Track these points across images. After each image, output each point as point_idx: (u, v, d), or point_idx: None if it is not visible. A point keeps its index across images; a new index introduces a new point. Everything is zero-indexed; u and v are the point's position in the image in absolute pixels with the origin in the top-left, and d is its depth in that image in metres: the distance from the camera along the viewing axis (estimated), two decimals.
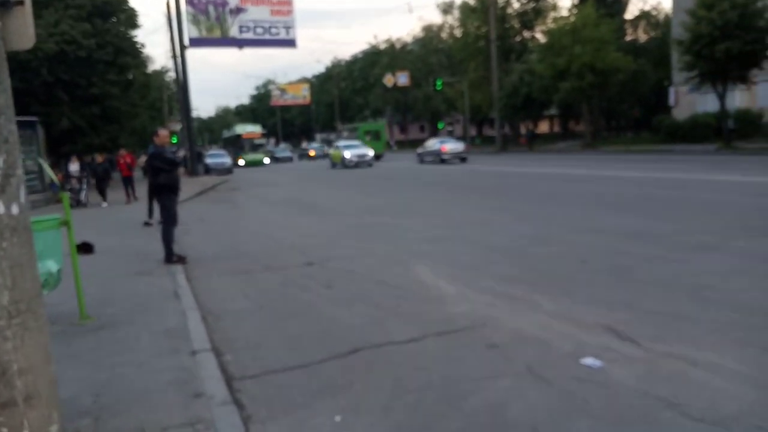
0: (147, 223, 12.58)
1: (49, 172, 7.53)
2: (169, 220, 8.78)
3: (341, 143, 38.47)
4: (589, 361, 4.28)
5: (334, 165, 35.94)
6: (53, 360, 4.81)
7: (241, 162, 46.90)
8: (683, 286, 6.01)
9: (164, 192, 8.82)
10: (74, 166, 19.31)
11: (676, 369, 4.08)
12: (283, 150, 59.87)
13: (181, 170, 30.33)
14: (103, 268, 8.56)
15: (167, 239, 8.76)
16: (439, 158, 33.31)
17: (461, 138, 52.08)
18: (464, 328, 5.16)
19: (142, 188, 17.63)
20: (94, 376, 4.43)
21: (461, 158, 33.20)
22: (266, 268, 8.19)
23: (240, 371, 4.50)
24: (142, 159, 9.52)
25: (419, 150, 36.83)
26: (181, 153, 30.16)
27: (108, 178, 19.70)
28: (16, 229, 3.00)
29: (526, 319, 5.31)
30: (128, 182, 18.95)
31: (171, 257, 8.67)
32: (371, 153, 35.15)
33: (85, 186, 18.91)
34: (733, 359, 4.18)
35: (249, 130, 56.15)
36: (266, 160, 48.94)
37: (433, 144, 35.44)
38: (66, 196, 5.97)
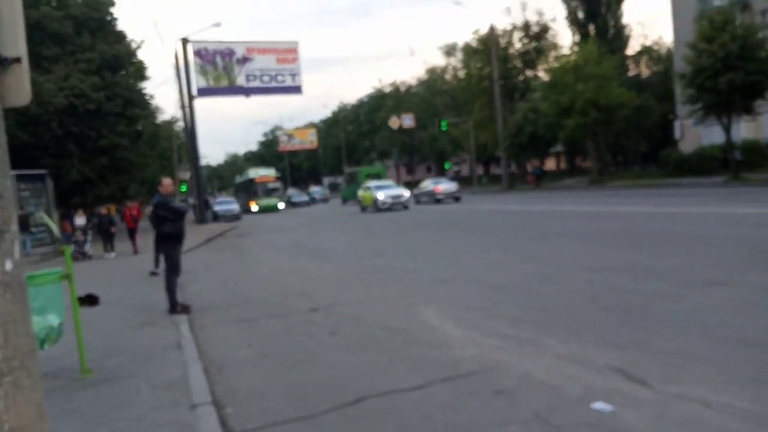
0: (153, 273, 12.58)
1: (52, 226, 7.58)
2: (172, 269, 8.78)
3: (372, 183, 34.60)
4: (599, 405, 4.16)
5: (364, 209, 32.78)
6: (50, 417, 4.75)
7: (254, 207, 45.53)
8: (694, 324, 5.89)
9: (168, 241, 8.86)
10: (80, 220, 19.26)
11: (689, 412, 3.95)
12: (300, 194, 58.08)
13: (189, 218, 30.51)
14: (107, 319, 8.53)
15: (170, 289, 8.73)
16: (434, 198, 33.98)
17: (468, 178, 52.32)
18: (471, 373, 5.05)
19: (148, 239, 17.72)
20: (93, 431, 4.35)
21: (455, 198, 33.79)
22: (271, 315, 8.12)
23: (240, 424, 4.41)
24: (149, 209, 9.33)
25: (415, 191, 37.52)
26: (190, 201, 30.43)
27: (112, 230, 19.43)
28: (10, 285, 2.99)
29: (534, 363, 5.20)
30: (133, 234, 18.95)
31: (175, 307, 8.62)
32: (407, 194, 32.65)
33: (89, 238, 18.80)
34: (747, 399, 4.05)
35: (262, 174, 51.68)
36: (281, 205, 47.55)
37: (427, 185, 36.20)
38: (68, 248, 5.99)
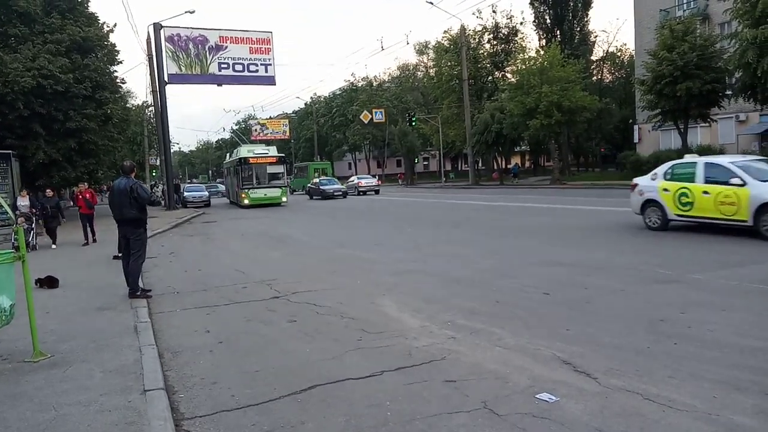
0: (117, 257, 12.23)
1: (6, 207, 7.28)
2: (137, 254, 8.54)
3: (319, 178, 44.47)
4: (544, 396, 4.17)
5: (311, 197, 41.05)
6: None
7: (246, 201, 31.29)
8: (641, 320, 5.97)
9: (133, 225, 8.59)
10: (23, 201, 16.17)
11: (630, 404, 3.99)
12: (331, 181, 42.04)
13: (162, 203, 29.55)
14: (65, 302, 8.26)
15: (134, 273, 8.51)
16: (357, 191, 42.14)
17: (435, 173, 52.36)
18: (423, 363, 5.02)
19: (104, 226, 17.13)
20: (37, 416, 4.18)
21: (375, 191, 42.35)
22: (232, 302, 7.98)
23: (191, 410, 4.29)
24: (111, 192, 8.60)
25: (345, 184, 43.33)
26: (159, 187, 29.25)
27: (58, 215, 16.58)
28: None
29: (485, 353, 5.20)
30: (88, 221, 16.34)
31: (136, 291, 8.41)
32: (342, 187, 40.43)
33: (33, 226, 15.68)
34: (687, 394, 4.11)
35: (259, 152, 33.84)
36: (284, 198, 32.55)
37: (353, 180, 45.29)
38: (21, 230, 5.75)
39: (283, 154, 35.47)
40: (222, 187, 49.37)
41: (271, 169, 32.83)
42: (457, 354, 5.21)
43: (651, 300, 6.76)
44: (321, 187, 39.43)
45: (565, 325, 5.93)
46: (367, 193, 41.94)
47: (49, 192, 17.46)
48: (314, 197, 40.25)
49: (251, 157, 32.30)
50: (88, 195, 16.70)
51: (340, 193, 38.98)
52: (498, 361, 4.98)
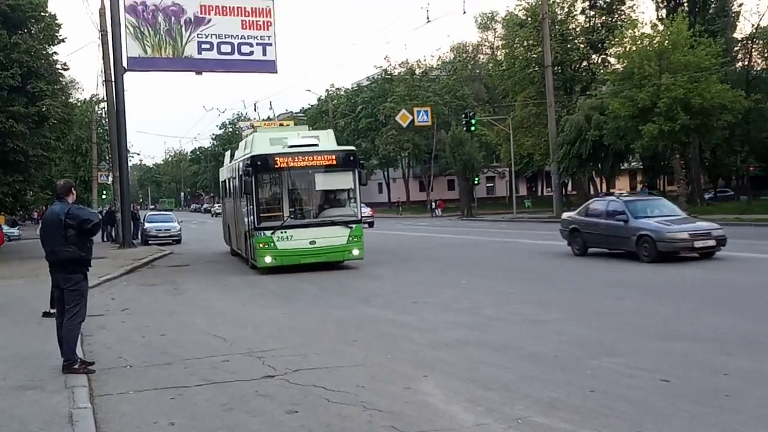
0: (48, 313, 12.50)
1: None
2: (73, 310, 8.69)
3: None
4: None
5: None
6: None
7: (266, 256, 19.77)
8: None
9: (69, 268, 8.76)
10: None
11: None
12: None
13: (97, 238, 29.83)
14: None
15: (70, 338, 8.65)
16: None
17: (504, 199, 52.30)
18: None
19: (33, 268, 17.15)
20: None
21: (368, 223, 40.38)
22: (207, 381, 8.05)
23: None
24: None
25: None
26: (103, 210, 28.55)
27: None
28: None
29: None
30: None
31: (73, 364, 8.53)
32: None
33: None
34: None
35: (299, 143, 20.65)
36: (357, 251, 20.31)
37: None
38: None
39: (353, 148, 23.46)
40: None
41: (326, 180, 20.51)
42: None
43: None
44: None
45: (692, 427, 5.82)
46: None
47: None
48: None
49: (279, 155, 19.88)
50: None
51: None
52: None
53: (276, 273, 19.29)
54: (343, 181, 20.20)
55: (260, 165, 19.41)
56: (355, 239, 19.65)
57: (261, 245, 19.38)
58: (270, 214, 19.91)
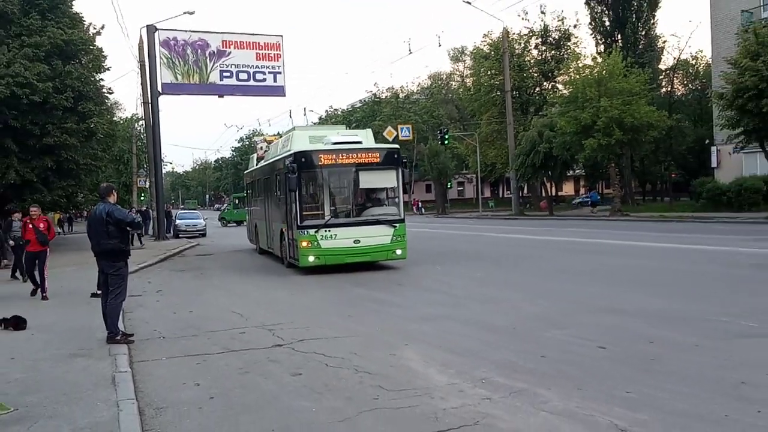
0: (95, 294, 12.41)
1: None
2: (116, 292, 8.67)
3: None
4: None
5: None
6: None
7: (309, 255, 16.13)
8: (719, 382, 5.85)
9: (112, 257, 8.74)
10: None
11: None
12: None
13: (150, 231, 29.97)
14: (33, 347, 8.38)
15: (112, 314, 8.62)
16: None
17: (472, 200, 52.35)
18: (452, 429, 4.96)
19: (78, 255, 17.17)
20: None
21: None
22: (227, 350, 8.02)
23: None
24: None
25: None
26: (136, 215, 29.21)
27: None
28: None
29: (527, 419, 5.13)
30: (37, 262, 13.34)
31: (115, 335, 8.50)
32: None
33: None
34: None
35: (341, 141, 16.96)
36: (399, 250, 16.65)
37: None
38: None
39: (396, 146, 19.46)
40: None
41: (370, 178, 16.93)
42: (493, 419, 5.15)
43: (731, 358, 6.63)
44: None
45: (624, 386, 5.83)
46: None
47: None
48: None
49: (324, 152, 16.48)
50: (41, 225, 13.62)
51: None
52: (543, 428, 4.91)
53: (316, 274, 15.77)
54: (387, 179, 16.80)
55: (304, 161, 15.92)
56: (399, 239, 16.35)
57: (304, 244, 15.79)
58: (312, 212, 16.30)
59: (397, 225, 16.35)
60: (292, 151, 16.58)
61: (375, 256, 16.31)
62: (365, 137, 18.15)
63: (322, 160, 16.02)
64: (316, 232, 15.69)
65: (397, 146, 17.51)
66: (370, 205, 16.98)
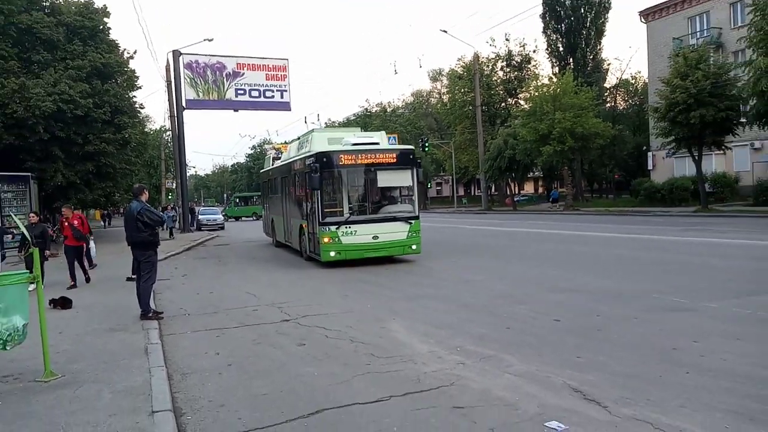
0: (130, 278, 12.34)
1: (21, 227, 7.41)
2: (146, 275, 8.65)
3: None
4: (553, 424, 4.12)
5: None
6: (4, 419, 4.59)
7: (330, 250, 14.59)
8: (654, 348, 5.89)
9: (145, 247, 8.73)
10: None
11: None
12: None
13: (175, 225, 29.92)
14: (77, 323, 8.32)
15: (144, 295, 8.59)
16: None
17: (448, 198, 52.27)
18: (432, 389, 4.98)
19: (115, 245, 17.07)
20: None
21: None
22: (242, 324, 7.99)
23: None
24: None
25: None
26: (171, 211, 29.39)
27: (43, 246, 11.14)
28: None
29: (494, 380, 5.15)
30: (75, 255, 12.54)
31: (147, 313, 8.47)
32: None
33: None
34: (698, 424, 4.04)
35: (359, 142, 15.44)
36: (415, 245, 15.21)
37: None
38: (37, 251, 5.83)
39: (411, 147, 16.41)
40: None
41: (387, 177, 15.35)
42: (465, 380, 5.17)
43: (664, 328, 6.68)
44: None
45: (575, 352, 5.87)
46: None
47: (32, 217, 12.88)
48: None
49: (344, 152, 14.90)
50: (76, 222, 13.09)
51: None
52: (507, 388, 4.93)
53: (339, 268, 14.07)
54: (403, 178, 15.27)
55: (326, 161, 14.44)
56: (414, 234, 14.97)
57: (326, 240, 14.33)
58: (332, 209, 14.73)
59: (413, 221, 15.05)
60: (313, 152, 14.94)
61: (392, 251, 14.91)
62: (380, 139, 16.57)
63: (343, 160, 14.59)
64: (337, 228, 14.31)
65: (411, 147, 16.09)
66: (386, 203, 15.52)
